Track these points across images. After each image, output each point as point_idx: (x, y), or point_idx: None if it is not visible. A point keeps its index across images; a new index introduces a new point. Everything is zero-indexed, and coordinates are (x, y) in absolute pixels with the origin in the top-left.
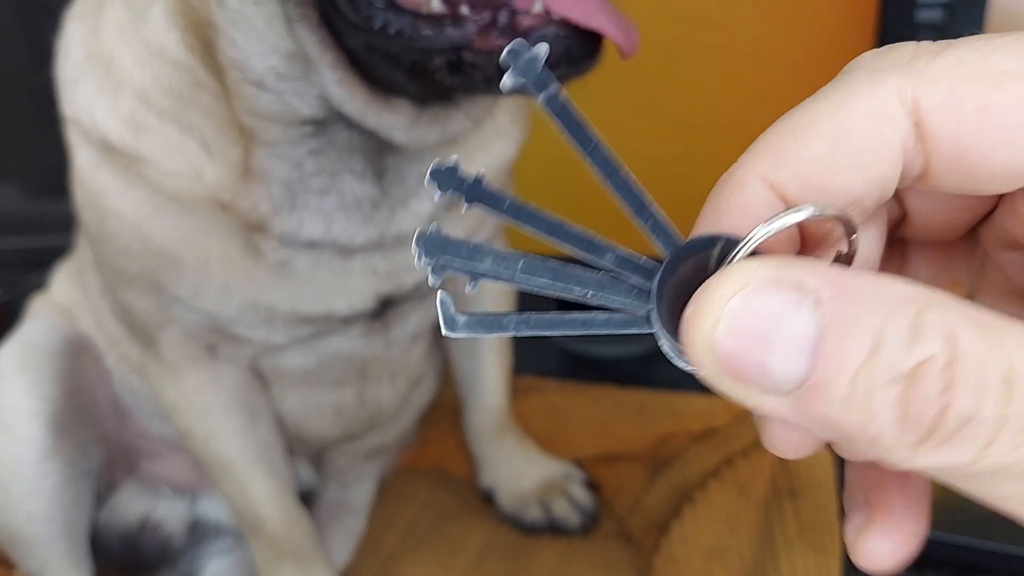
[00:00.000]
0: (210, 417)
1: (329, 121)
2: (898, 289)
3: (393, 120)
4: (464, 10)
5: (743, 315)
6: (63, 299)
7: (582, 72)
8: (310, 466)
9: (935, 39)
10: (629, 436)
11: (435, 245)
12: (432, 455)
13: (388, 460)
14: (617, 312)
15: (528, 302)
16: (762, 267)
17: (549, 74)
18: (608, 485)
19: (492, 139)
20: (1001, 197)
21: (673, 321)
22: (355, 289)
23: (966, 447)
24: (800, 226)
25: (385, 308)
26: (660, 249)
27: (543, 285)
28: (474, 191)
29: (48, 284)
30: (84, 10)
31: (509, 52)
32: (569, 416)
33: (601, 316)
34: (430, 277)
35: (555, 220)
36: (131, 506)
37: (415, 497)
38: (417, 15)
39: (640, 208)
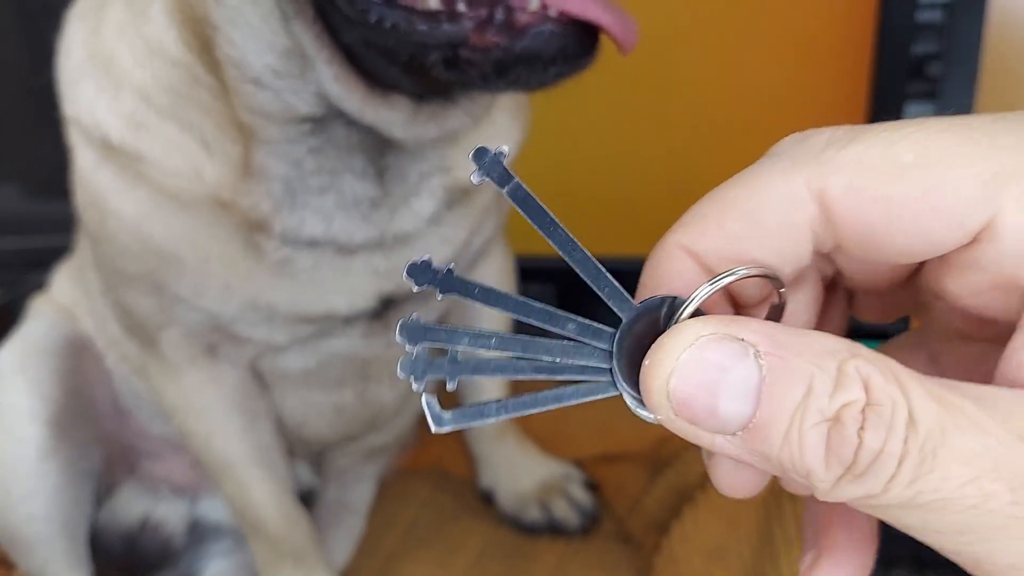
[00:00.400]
0: (210, 417)
1: (328, 119)
2: (824, 343)
3: (391, 116)
4: (461, 6)
5: (694, 366)
6: (63, 299)
7: (578, 70)
8: (310, 467)
9: (935, 39)
10: (629, 436)
11: (416, 332)
12: (432, 455)
13: (388, 460)
14: (584, 383)
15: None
16: (708, 325)
17: (509, 171)
18: (608, 485)
19: (492, 140)
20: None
21: (633, 376)
22: (356, 288)
23: (875, 479)
24: (731, 291)
25: (386, 308)
26: (617, 311)
27: (516, 354)
28: (447, 282)
29: (48, 284)
30: (85, 10)
31: (475, 153)
32: (569, 416)
33: (570, 389)
34: (414, 385)
35: (519, 299)
36: (131, 506)
37: (415, 497)
38: (412, 10)
39: (597, 278)
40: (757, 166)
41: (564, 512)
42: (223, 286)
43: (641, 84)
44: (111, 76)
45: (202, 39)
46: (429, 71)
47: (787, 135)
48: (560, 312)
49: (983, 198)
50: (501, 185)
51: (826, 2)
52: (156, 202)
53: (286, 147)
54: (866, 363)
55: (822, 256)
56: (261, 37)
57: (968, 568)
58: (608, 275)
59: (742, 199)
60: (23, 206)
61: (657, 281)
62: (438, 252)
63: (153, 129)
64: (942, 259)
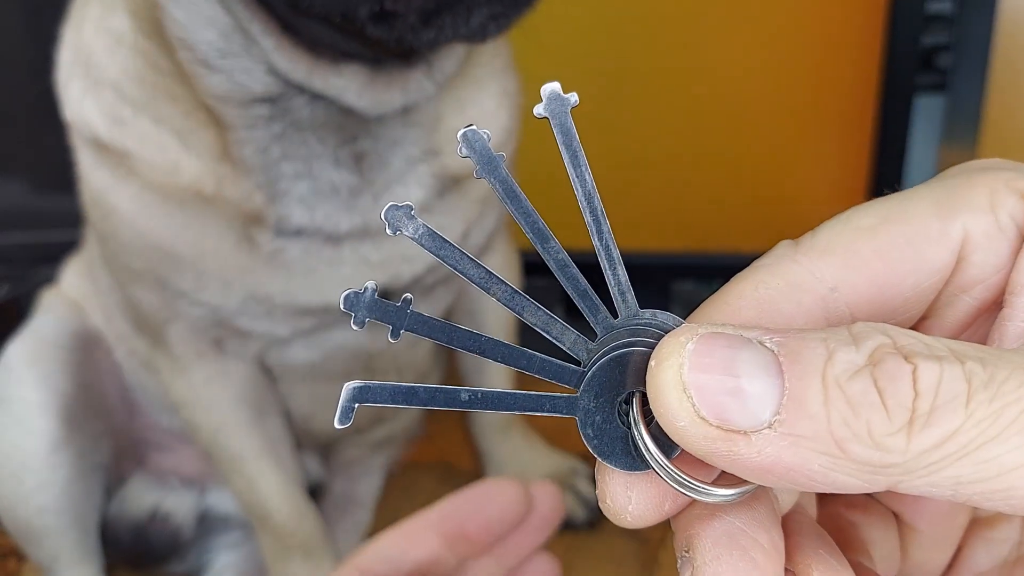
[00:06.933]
0: (218, 411)
1: (286, 97)
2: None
3: (342, 83)
4: None
5: (703, 350)
6: (73, 293)
7: (510, 14)
8: (318, 459)
9: (945, 31)
10: None
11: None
12: (438, 449)
13: (395, 452)
14: (548, 396)
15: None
16: (704, 324)
17: (492, 152)
18: None
19: (477, 123)
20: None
21: (604, 424)
22: (349, 280)
23: (953, 409)
24: None
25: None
26: (591, 322)
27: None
28: (400, 317)
29: (57, 278)
30: (76, 13)
31: (463, 133)
32: None
33: (524, 396)
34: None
35: (478, 336)
36: (140, 498)
37: (420, 491)
38: None
39: (573, 279)
40: (755, 264)
41: (570, 506)
42: (222, 280)
43: (649, 74)
44: (91, 73)
45: (155, 23)
46: (363, 29)
47: (795, 127)
48: (521, 350)
49: (939, 214)
50: (482, 164)
51: None
52: (148, 198)
53: (247, 133)
54: (876, 323)
55: None
56: (201, 14)
57: None
58: (582, 280)
59: (749, 289)
60: (31, 200)
61: None
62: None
63: (130, 123)
64: (936, 304)
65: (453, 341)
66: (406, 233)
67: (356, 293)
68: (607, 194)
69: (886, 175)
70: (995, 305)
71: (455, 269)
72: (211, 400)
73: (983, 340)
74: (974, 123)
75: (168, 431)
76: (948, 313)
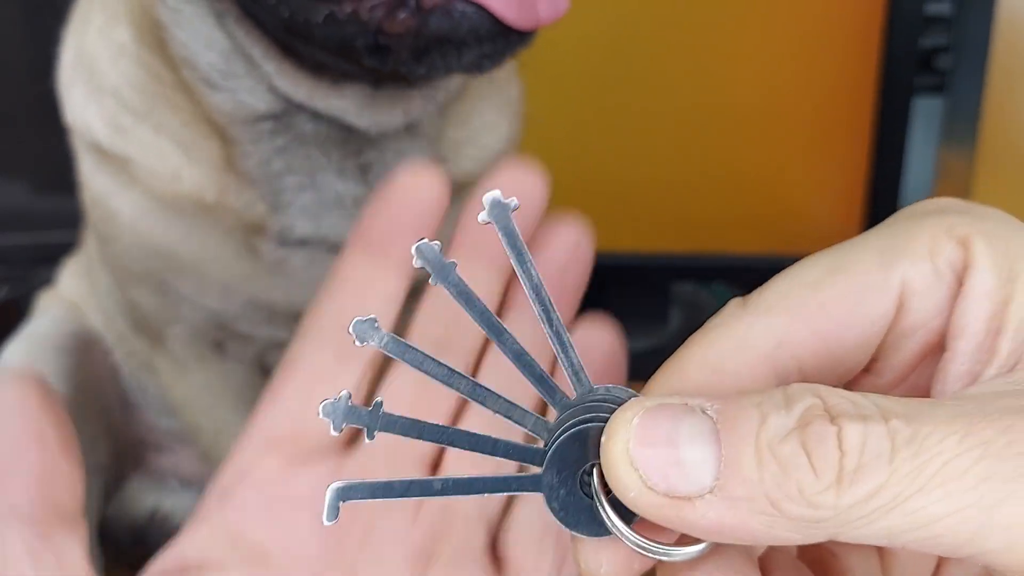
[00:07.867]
0: (219, 413)
1: (289, 113)
2: (759, 389)
3: (342, 104)
4: None
5: (647, 426)
6: (71, 294)
7: (502, 51)
8: None
9: (944, 32)
10: None
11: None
12: None
13: None
14: (513, 478)
15: None
16: (651, 398)
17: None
18: None
19: (480, 133)
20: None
21: (568, 497)
22: None
23: (876, 467)
24: None
25: None
26: (549, 402)
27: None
28: (373, 419)
29: (56, 279)
30: (79, 17)
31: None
32: None
33: (492, 479)
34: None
35: (445, 429)
36: (139, 499)
37: None
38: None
39: (529, 365)
40: (708, 325)
41: None
42: (223, 286)
43: (649, 75)
44: (93, 80)
45: (157, 39)
46: (359, 59)
47: (793, 128)
48: (486, 437)
49: (881, 263)
50: (436, 272)
51: None
52: (149, 205)
53: (251, 147)
54: (809, 383)
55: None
56: (201, 36)
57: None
58: (538, 366)
59: (698, 353)
60: (32, 202)
61: None
62: None
63: (131, 131)
64: (882, 348)
65: (423, 436)
66: (372, 343)
67: (333, 402)
68: (608, 195)
69: (885, 176)
70: (939, 347)
71: (419, 369)
72: (211, 402)
73: (930, 380)
74: (973, 125)
75: (167, 432)
76: (895, 356)
